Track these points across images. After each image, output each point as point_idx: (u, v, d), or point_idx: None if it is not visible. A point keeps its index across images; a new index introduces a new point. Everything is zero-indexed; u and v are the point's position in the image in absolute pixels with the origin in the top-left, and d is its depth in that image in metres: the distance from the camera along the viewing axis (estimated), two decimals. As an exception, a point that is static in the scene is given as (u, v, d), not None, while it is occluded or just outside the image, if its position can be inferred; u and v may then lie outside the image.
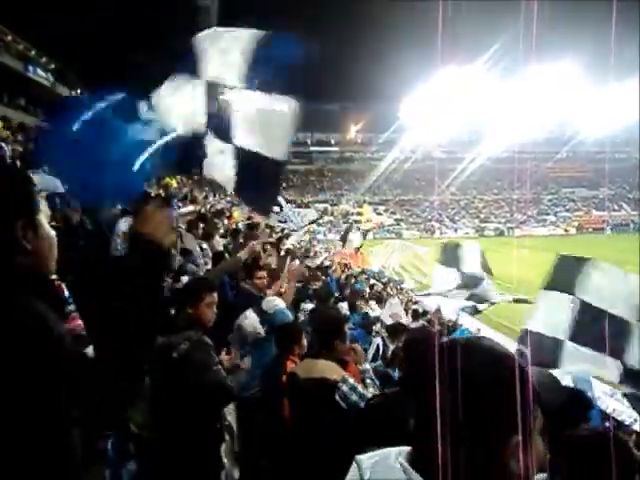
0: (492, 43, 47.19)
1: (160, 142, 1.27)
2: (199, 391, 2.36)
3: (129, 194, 1.27)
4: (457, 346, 0.84)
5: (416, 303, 15.01)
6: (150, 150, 1.23)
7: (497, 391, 0.77)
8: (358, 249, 18.34)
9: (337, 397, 2.54)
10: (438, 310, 7.20)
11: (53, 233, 1.19)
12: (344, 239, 17.14)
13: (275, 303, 3.84)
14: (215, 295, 2.83)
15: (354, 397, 2.54)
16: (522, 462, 0.76)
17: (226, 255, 5.71)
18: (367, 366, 2.92)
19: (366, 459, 0.87)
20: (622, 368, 3.78)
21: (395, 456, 0.84)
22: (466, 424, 0.76)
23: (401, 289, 17.25)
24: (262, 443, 3.16)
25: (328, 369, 2.67)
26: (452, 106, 58.16)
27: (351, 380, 2.60)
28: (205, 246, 5.71)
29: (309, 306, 5.64)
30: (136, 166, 1.20)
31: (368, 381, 2.77)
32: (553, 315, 4.07)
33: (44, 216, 1.17)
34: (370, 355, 5.51)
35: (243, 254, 4.15)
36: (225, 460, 2.72)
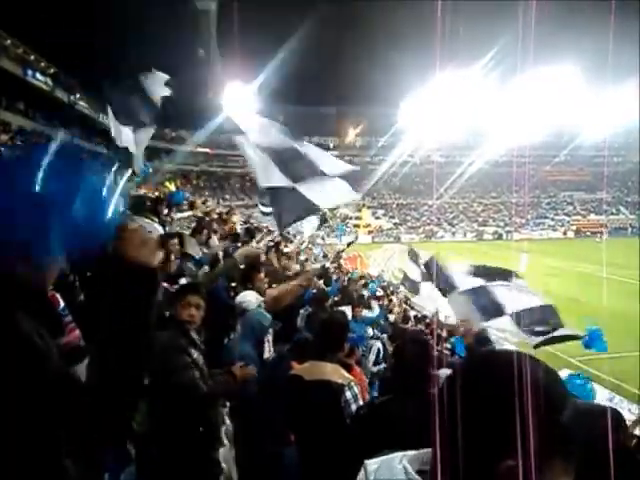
0: (490, 47, 47.32)
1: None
2: (169, 393, 2.37)
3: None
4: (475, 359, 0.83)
5: (412, 308, 15.03)
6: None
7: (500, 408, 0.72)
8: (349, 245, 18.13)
9: (342, 402, 2.51)
10: (437, 314, 7.19)
11: None
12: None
13: (248, 299, 3.76)
14: (196, 297, 2.83)
15: (353, 407, 2.52)
16: None
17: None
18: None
19: (372, 463, 0.89)
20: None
21: (399, 459, 0.85)
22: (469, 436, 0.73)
23: (399, 293, 17.26)
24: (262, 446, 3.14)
25: (334, 372, 2.65)
26: (450, 110, 58.28)
27: (356, 389, 2.58)
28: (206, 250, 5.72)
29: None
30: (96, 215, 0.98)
31: None
32: None
33: None
34: (371, 360, 5.49)
35: (238, 256, 4.15)
36: (224, 465, 2.71)
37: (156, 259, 1.03)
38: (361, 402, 2.55)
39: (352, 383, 2.59)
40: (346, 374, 2.67)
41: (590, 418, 2.26)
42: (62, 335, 1.35)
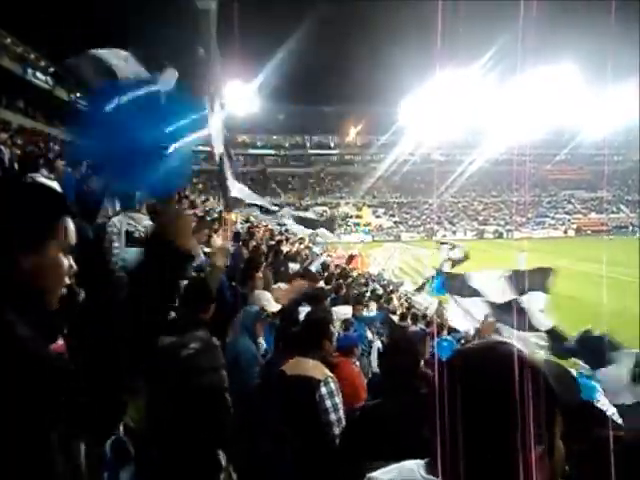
0: (490, 46, 47.25)
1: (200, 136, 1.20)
2: (201, 393, 2.35)
3: (172, 187, 1.17)
4: (471, 354, 0.83)
5: (413, 307, 15.02)
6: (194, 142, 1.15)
7: (516, 398, 0.72)
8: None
9: (317, 397, 2.56)
10: (439, 311, 7.20)
11: (65, 266, 1.09)
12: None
13: (265, 297, 3.79)
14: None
15: (327, 403, 2.55)
16: (545, 470, 0.73)
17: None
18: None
19: (381, 475, 0.85)
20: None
21: (416, 468, 0.82)
22: (484, 434, 0.74)
23: (398, 291, 17.27)
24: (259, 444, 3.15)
25: (314, 368, 2.70)
26: (450, 108, 58.20)
27: (332, 385, 2.62)
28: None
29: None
30: (182, 157, 1.12)
31: None
32: None
33: (67, 244, 1.08)
34: (374, 360, 5.51)
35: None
36: (223, 463, 2.70)
37: (192, 245, 1.09)
38: (337, 399, 2.58)
39: (329, 379, 2.63)
40: (325, 371, 2.70)
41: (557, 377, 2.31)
42: (55, 339, 1.32)
